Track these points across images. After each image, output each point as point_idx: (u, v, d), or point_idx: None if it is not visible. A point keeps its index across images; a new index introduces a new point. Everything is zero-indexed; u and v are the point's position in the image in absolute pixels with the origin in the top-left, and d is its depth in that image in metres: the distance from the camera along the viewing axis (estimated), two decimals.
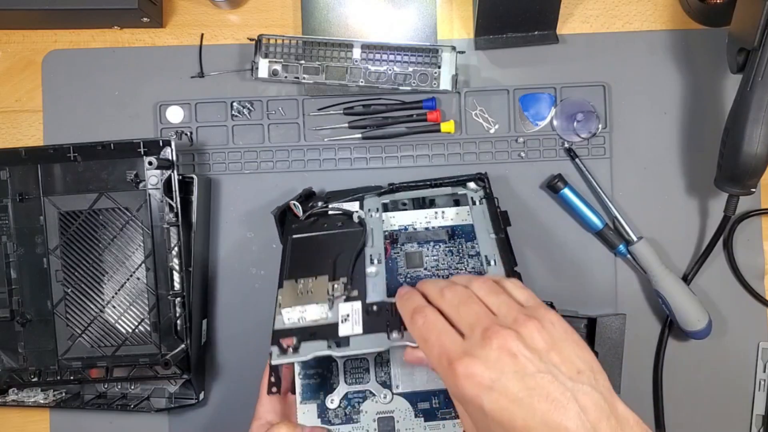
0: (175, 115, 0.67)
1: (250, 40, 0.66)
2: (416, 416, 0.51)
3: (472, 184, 0.62)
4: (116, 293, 0.63)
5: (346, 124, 0.67)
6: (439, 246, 0.55)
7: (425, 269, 0.54)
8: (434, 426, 0.51)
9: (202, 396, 0.65)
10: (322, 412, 0.51)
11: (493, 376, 0.37)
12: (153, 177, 0.62)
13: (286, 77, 0.66)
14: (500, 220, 0.57)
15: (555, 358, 0.38)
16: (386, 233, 0.56)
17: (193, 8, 0.68)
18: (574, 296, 0.66)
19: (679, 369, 0.66)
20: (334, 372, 0.52)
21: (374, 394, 0.52)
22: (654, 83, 0.67)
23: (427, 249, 0.55)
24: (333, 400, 0.51)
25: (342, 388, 0.52)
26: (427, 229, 0.56)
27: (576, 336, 0.40)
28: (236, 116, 0.67)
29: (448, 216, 0.57)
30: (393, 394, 0.52)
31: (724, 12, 0.63)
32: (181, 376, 0.62)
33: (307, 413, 0.51)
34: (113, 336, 0.63)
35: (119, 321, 0.63)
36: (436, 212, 0.57)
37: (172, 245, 0.62)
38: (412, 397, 0.52)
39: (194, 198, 0.62)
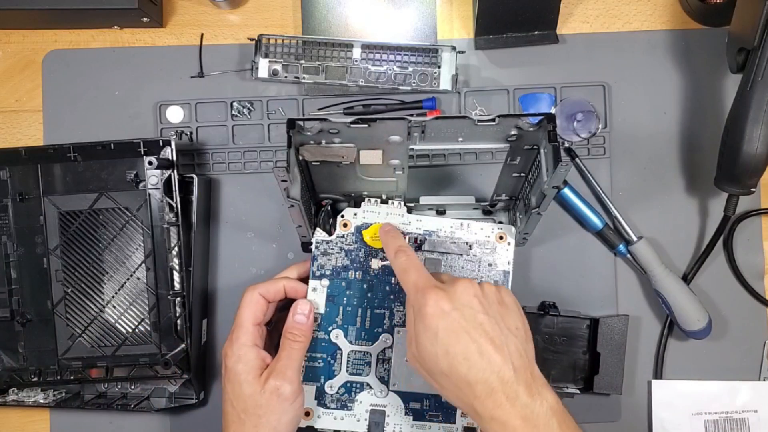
0: (175, 115, 0.67)
1: (250, 40, 0.66)
2: (406, 414, 0.55)
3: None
4: (116, 293, 0.63)
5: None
6: (459, 257, 0.58)
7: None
8: (421, 426, 0.56)
9: (202, 396, 0.65)
10: (320, 394, 0.55)
11: (453, 306, 0.45)
12: (153, 177, 0.62)
13: (286, 77, 0.66)
14: None
15: (501, 311, 0.47)
16: (413, 236, 0.58)
17: (193, 8, 0.68)
18: (574, 296, 0.66)
19: (679, 369, 0.66)
20: (337, 360, 0.56)
21: (371, 387, 0.56)
22: (654, 83, 0.67)
23: (446, 258, 0.58)
24: (332, 386, 0.56)
25: (342, 376, 0.56)
26: (452, 242, 0.58)
27: (520, 309, 0.49)
28: (236, 116, 0.67)
29: (473, 230, 0.58)
30: (389, 390, 0.56)
31: (724, 12, 0.63)
32: (181, 376, 0.62)
33: (306, 392, 0.55)
34: (113, 336, 0.63)
35: (119, 321, 0.63)
36: (462, 223, 0.58)
37: (172, 245, 0.62)
38: (406, 397, 0.56)
39: (194, 198, 0.62)
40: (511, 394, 0.43)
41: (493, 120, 0.47)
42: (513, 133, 0.49)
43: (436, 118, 0.47)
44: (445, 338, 0.44)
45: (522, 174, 0.55)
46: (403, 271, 0.49)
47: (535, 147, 0.51)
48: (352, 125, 0.47)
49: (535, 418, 0.43)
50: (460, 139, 0.51)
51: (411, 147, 0.51)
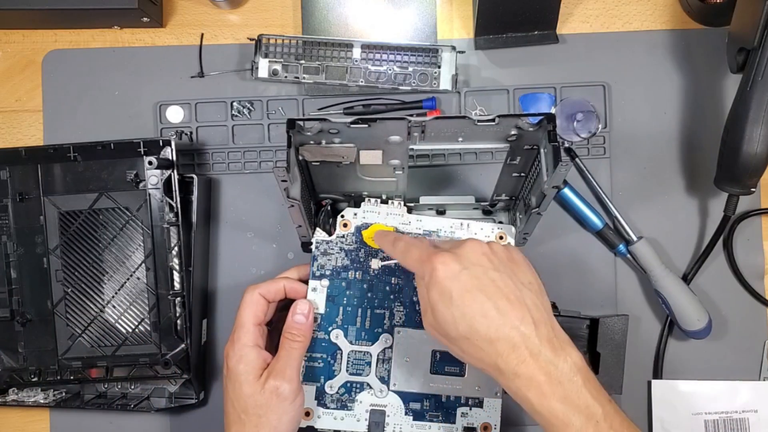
0: (175, 115, 0.67)
1: (250, 40, 0.66)
2: (406, 414, 0.55)
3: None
4: (116, 293, 0.63)
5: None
6: None
7: None
8: (421, 426, 0.56)
9: (202, 396, 0.65)
10: (320, 394, 0.56)
11: (463, 266, 0.44)
12: (153, 177, 0.62)
13: (286, 77, 0.66)
14: None
15: (512, 267, 0.46)
16: (414, 236, 0.58)
17: (193, 8, 0.68)
18: (574, 296, 0.66)
19: (679, 369, 0.66)
20: (337, 360, 0.56)
21: (371, 387, 0.56)
22: (654, 83, 0.67)
23: None
24: (332, 386, 0.56)
25: (342, 377, 0.56)
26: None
27: (530, 264, 0.48)
28: (236, 116, 0.67)
29: (473, 230, 0.58)
30: (389, 390, 0.56)
31: (724, 12, 0.63)
32: (181, 376, 0.62)
33: (306, 392, 0.55)
34: (113, 336, 0.63)
35: (119, 321, 0.63)
36: (462, 223, 0.58)
37: (172, 245, 0.62)
38: (406, 397, 0.56)
39: (194, 198, 0.62)
40: (534, 350, 0.42)
41: (493, 120, 0.47)
42: (513, 133, 0.49)
43: (436, 118, 0.48)
44: (460, 299, 0.43)
45: (522, 174, 0.55)
46: (405, 253, 0.49)
47: (535, 147, 0.51)
48: (352, 125, 0.47)
49: (559, 374, 0.42)
50: (460, 139, 0.51)
51: (411, 147, 0.51)
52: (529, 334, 0.43)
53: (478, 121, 0.47)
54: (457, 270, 0.44)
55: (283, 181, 0.48)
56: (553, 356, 0.43)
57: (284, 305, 0.56)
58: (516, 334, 0.43)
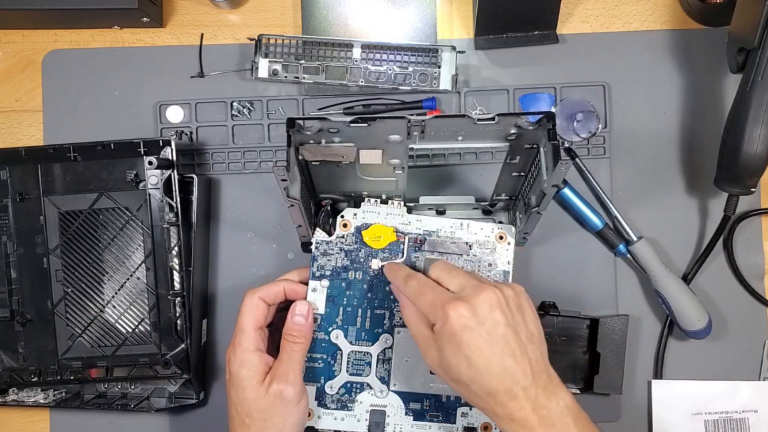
0: (175, 115, 0.67)
1: (250, 40, 0.66)
2: (406, 414, 0.55)
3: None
4: (116, 293, 0.63)
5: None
6: (459, 257, 0.57)
7: None
8: (421, 426, 0.56)
9: (202, 396, 0.65)
10: (320, 395, 0.56)
11: (477, 321, 0.45)
12: (153, 177, 0.62)
13: (286, 77, 0.66)
14: None
15: (520, 320, 0.47)
16: (413, 236, 0.58)
17: (193, 8, 0.68)
18: (574, 296, 0.66)
19: (679, 369, 0.66)
20: (337, 360, 0.56)
21: (372, 388, 0.56)
22: (654, 83, 0.67)
23: (446, 259, 0.57)
24: (332, 387, 0.56)
25: (342, 377, 0.56)
26: (452, 242, 0.57)
27: (534, 308, 0.49)
28: (236, 116, 0.67)
29: (472, 230, 0.58)
30: (389, 390, 0.56)
31: (724, 12, 0.63)
32: (181, 376, 0.62)
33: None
34: (113, 336, 0.63)
35: (119, 321, 0.63)
36: (462, 223, 0.58)
37: (172, 245, 0.62)
38: (406, 397, 0.56)
39: (194, 198, 0.62)
40: (530, 397, 0.45)
41: (492, 119, 0.47)
42: (513, 131, 0.49)
43: (436, 116, 0.47)
44: (469, 351, 0.45)
45: (522, 173, 0.55)
46: (418, 295, 0.49)
47: (534, 146, 0.51)
48: (351, 124, 0.47)
49: (551, 417, 0.45)
50: (460, 138, 0.51)
51: (411, 146, 0.51)
52: (528, 386, 0.45)
53: (478, 119, 0.47)
54: (471, 323, 0.45)
55: (283, 180, 0.48)
56: (547, 401, 0.45)
57: (285, 306, 0.56)
58: (517, 387, 0.45)
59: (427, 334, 0.48)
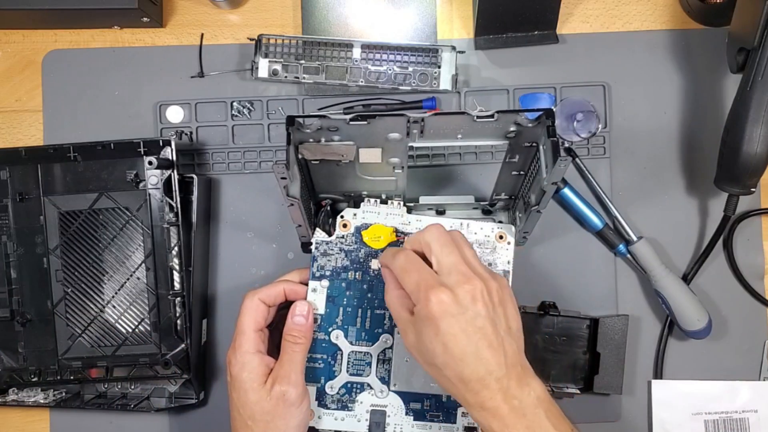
0: (175, 115, 0.67)
1: (250, 40, 0.66)
2: (407, 414, 0.55)
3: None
4: (116, 293, 0.63)
5: None
6: None
7: None
8: (422, 426, 0.56)
9: (202, 396, 0.65)
10: (320, 395, 0.55)
11: (458, 310, 0.45)
12: (153, 177, 0.62)
13: (286, 77, 0.66)
14: None
15: (501, 313, 0.48)
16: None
17: (193, 8, 0.68)
18: (574, 296, 0.66)
19: (679, 369, 0.66)
20: (337, 361, 0.56)
21: (372, 388, 0.56)
22: (654, 83, 0.67)
23: None
24: (332, 387, 0.56)
25: (343, 377, 0.56)
26: None
27: (515, 302, 0.50)
28: (236, 116, 0.67)
29: (472, 230, 0.58)
30: (389, 390, 0.56)
31: (724, 12, 0.63)
32: (181, 376, 0.62)
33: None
34: (113, 336, 0.63)
35: (119, 321, 0.63)
36: (461, 222, 0.58)
37: (172, 245, 0.62)
38: (407, 397, 0.56)
39: (194, 198, 0.62)
40: (502, 388, 0.45)
41: (491, 116, 0.47)
42: (512, 129, 0.49)
43: (435, 113, 0.48)
44: (445, 338, 0.45)
45: (521, 172, 0.55)
46: (404, 272, 0.49)
47: (533, 144, 0.51)
48: (351, 122, 0.47)
49: (523, 408, 0.45)
50: (459, 136, 0.51)
51: (410, 144, 0.51)
52: (501, 377, 0.45)
53: (477, 117, 0.47)
54: (452, 311, 0.45)
55: (282, 178, 0.48)
56: (519, 391, 0.46)
57: (285, 305, 0.56)
58: (490, 378, 0.45)
59: (406, 317, 0.48)
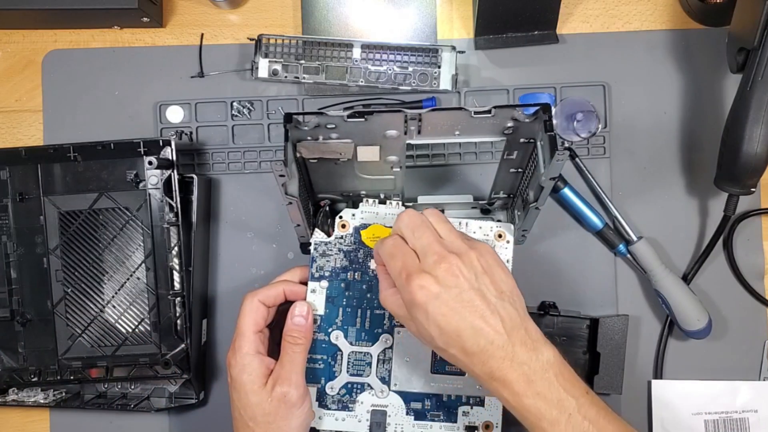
0: (175, 115, 0.67)
1: (250, 40, 0.66)
2: (407, 414, 0.55)
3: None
4: (116, 293, 0.63)
5: None
6: None
7: None
8: (423, 425, 0.56)
9: (202, 396, 0.65)
10: (321, 395, 0.55)
11: (439, 290, 0.46)
12: (153, 177, 0.62)
13: (286, 77, 0.66)
14: None
15: (486, 281, 0.47)
16: None
17: (193, 8, 0.68)
18: (574, 296, 0.66)
19: (679, 369, 0.66)
20: (338, 361, 0.56)
21: (372, 388, 0.56)
22: (654, 83, 0.67)
23: None
24: (333, 387, 0.56)
25: (343, 377, 0.56)
26: None
27: (503, 265, 0.49)
28: (236, 116, 0.67)
29: (471, 229, 0.58)
30: (390, 390, 0.56)
31: (724, 12, 0.63)
32: (181, 376, 0.62)
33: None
34: (113, 336, 0.63)
35: (119, 321, 0.63)
36: (459, 222, 0.58)
37: (172, 245, 0.62)
38: (407, 397, 0.56)
39: (194, 198, 0.62)
40: (508, 356, 0.45)
41: (489, 111, 0.47)
42: (509, 125, 0.49)
43: (433, 109, 0.47)
44: (437, 319, 0.46)
45: (519, 169, 0.55)
46: (390, 257, 0.49)
47: (531, 140, 0.51)
48: (348, 119, 0.47)
49: (531, 373, 0.45)
50: (457, 133, 0.51)
51: (408, 142, 0.51)
52: (502, 344, 0.45)
53: (475, 112, 0.47)
54: (435, 292, 0.46)
55: (281, 176, 0.48)
56: (526, 357, 0.45)
57: (286, 304, 0.56)
58: (491, 347, 0.45)
59: (403, 311, 0.49)
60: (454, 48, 0.65)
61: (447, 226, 0.50)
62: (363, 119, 0.47)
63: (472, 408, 0.55)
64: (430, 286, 0.46)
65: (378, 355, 0.56)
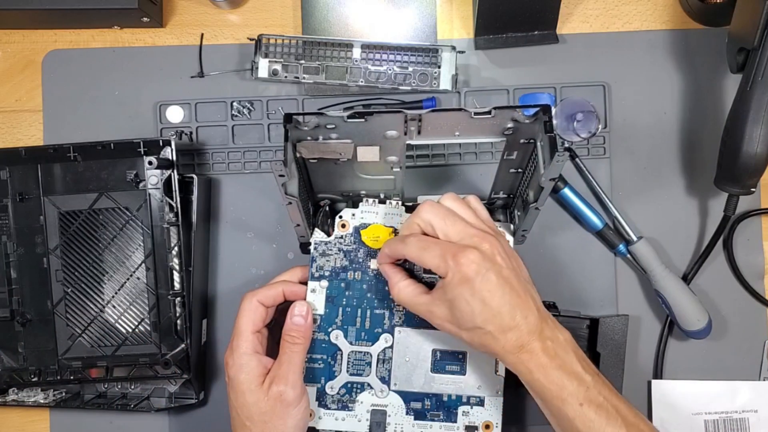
0: (175, 115, 0.67)
1: (250, 40, 0.66)
2: (407, 414, 0.55)
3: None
4: (116, 293, 0.63)
5: None
6: None
7: None
8: (422, 425, 0.56)
9: (202, 396, 0.65)
10: (321, 395, 0.55)
11: (486, 266, 0.47)
12: (153, 177, 0.62)
13: (286, 77, 0.66)
14: None
15: (515, 264, 0.50)
16: None
17: (193, 8, 0.68)
18: (574, 296, 0.66)
19: (679, 369, 0.66)
20: (337, 361, 0.56)
21: (372, 388, 0.56)
22: (654, 83, 0.67)
23: None
24: (333, 387, 0.56)
25: (343, 377, 0.56)
26: None
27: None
28: (236, 116, 0.67)
29: None
30: (390, 390, 0.56)
31: (724, 12, 0.63)
32: (181, 375, 0.62)
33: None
34: (113, 336, 0.63)
35: (119, 321, 0.63)
36: None
37: (172, 245, 0.62)
38: (407, 396, 0.56)
39: (194, 198, 0.62)
40: (538, 329, 0.48)
41: (489, 112, 0.47)
42: (509, 126, 0.49)
43: (433, 110, 0.48)
44: (482, 294, 0.47)
45: (519, 170, 0.55)
46: (422, 251, 0.49)
47: (531, 141, 0.51)
48: (348, 119, 0.47)
49: (556, 347, 0.48)
50: (457, 134, 0.51)
51: (408, 143, 0.51)
52: (534, 321, 0.48)
53: (475, 113, 0.47)
54: (484, 267, 0.47)
55: (281, 176, 0.48)
56: (551, 333, 0.49)
57: (285, 303, 0.56)
58: (525, 323, 0.48)
59: (426, 298, 0.50)
60: (454, 48, 0.65)
61: (470, 211, 0.52)
62: (363, 119, 0.47)
63: (472, 408, 0.55)
64: (479, 262, 0.47)
65: (378, 355, 0.56)
